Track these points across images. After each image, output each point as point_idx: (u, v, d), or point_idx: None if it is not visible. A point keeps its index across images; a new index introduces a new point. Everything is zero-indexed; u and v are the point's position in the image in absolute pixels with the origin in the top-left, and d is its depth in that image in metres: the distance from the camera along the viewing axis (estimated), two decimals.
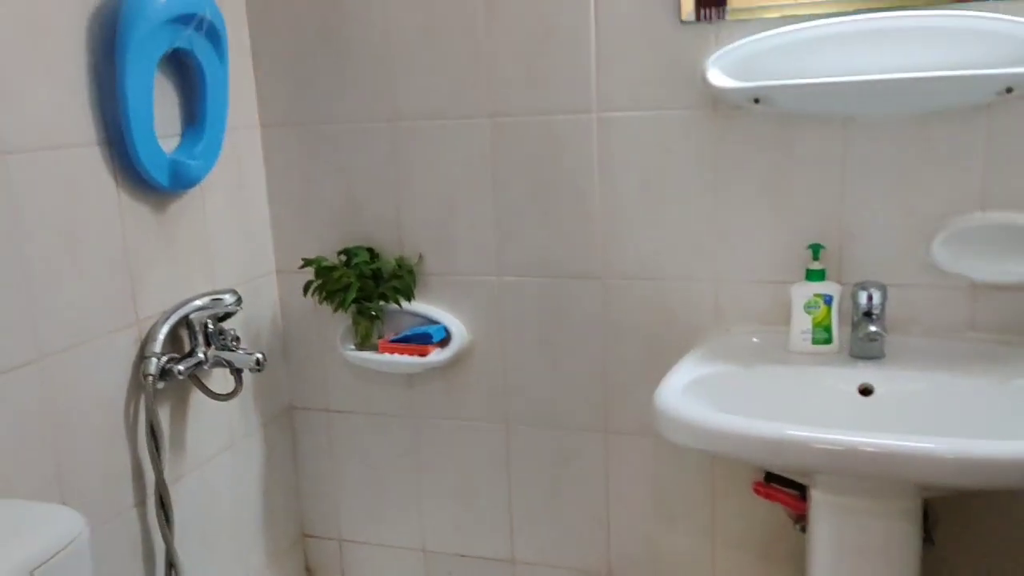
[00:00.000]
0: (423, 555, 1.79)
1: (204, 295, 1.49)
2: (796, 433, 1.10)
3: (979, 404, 1.24)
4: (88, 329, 1.29)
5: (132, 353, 1.39)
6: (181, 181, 1.42)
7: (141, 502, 1.41)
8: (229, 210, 1.61)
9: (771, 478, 1.43)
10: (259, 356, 1.48)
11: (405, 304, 1.63)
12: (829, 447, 1.08)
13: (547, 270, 1.56)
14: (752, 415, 1.15)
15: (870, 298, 1.33)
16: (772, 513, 1.52)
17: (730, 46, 1.34)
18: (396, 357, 1.62)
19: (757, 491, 1.44)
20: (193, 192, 1.50)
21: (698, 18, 1.37)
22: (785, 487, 1.41)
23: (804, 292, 1.37)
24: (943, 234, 1.33)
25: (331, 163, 1.65)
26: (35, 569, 1.02)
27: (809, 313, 1.36)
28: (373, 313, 1.63)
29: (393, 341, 1.64)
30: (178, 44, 1.37)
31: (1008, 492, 1.38)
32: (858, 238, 1.39)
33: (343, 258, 1.63)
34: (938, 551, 1.41)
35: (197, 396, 1.53)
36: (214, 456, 1.59)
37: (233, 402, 1.61)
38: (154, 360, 1.39)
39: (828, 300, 1.36)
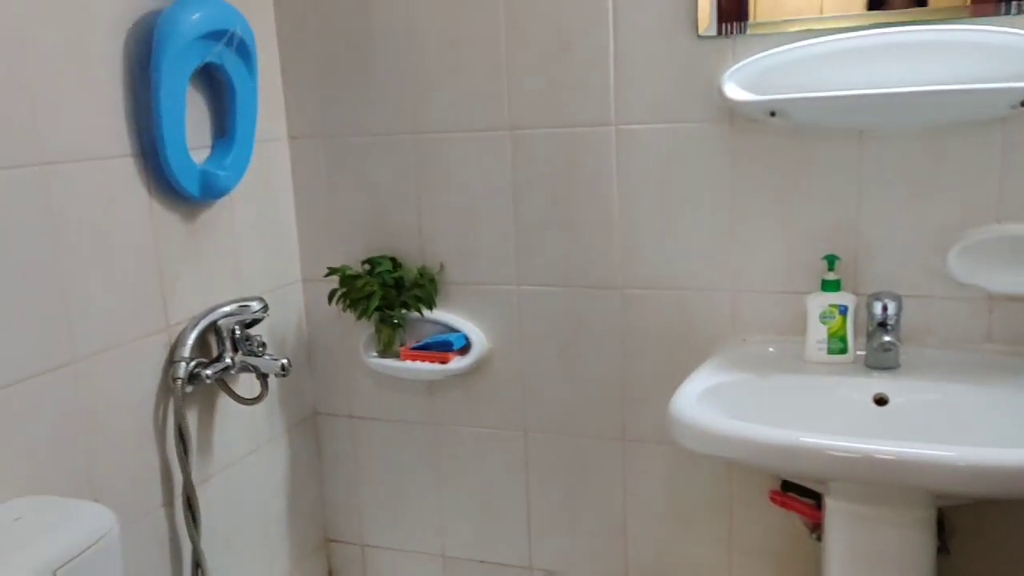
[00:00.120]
0: (443, 560, 1.82)
1: (232, 302, 1.53)
2: (810, 440, 1.11)
3: (994, 415, 1.25)
4: (120, 333, 1.34)
5: (162, 357, 1.43)
6: (211, 191, 1.47)
7: (169, 502, 1.45)
8: (257, 220, 1.65)
9: (787, 487, 1.44)
10: (284, 362, 1.52)
11: (426, 312, 1.66)
12: (842, 454, 1.09)
13: (566, 280, 1.59)
14: (766, 423, 1.17)
15: (885, 308, 1.34)
16: (788, 522, 1.53)
17: (746, 60, 1.36)
18: (417, 364, 1.66)
19: (773, 500, 1.45)
20: (222, 202, 1.55)
21: (719, 32, 1.40)
22: (801, 496, 1.42)
23: (819, 303, 1.38)
24: (959, 246, 1.34)
25: (356, 174, 1.69)
26: (68, 562, 1.06)
27: (824, 323, 1.38)
28: (395, 321, 1.66)
29: (414, 349, 1.67)
30: (210, 59, 1.42)
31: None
32: (874, 249, 1.40)
33: (367, 267, 1.67)
34: (954, 561, 1.41)
35: (224, 400, 1.57)
36: (240, 459, 1.63)
37: (259, 407, 1.65)
38: (183, 364, 1.43)
39: (843, 310, 1.37)
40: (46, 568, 1.03)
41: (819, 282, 1.40)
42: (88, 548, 1.10)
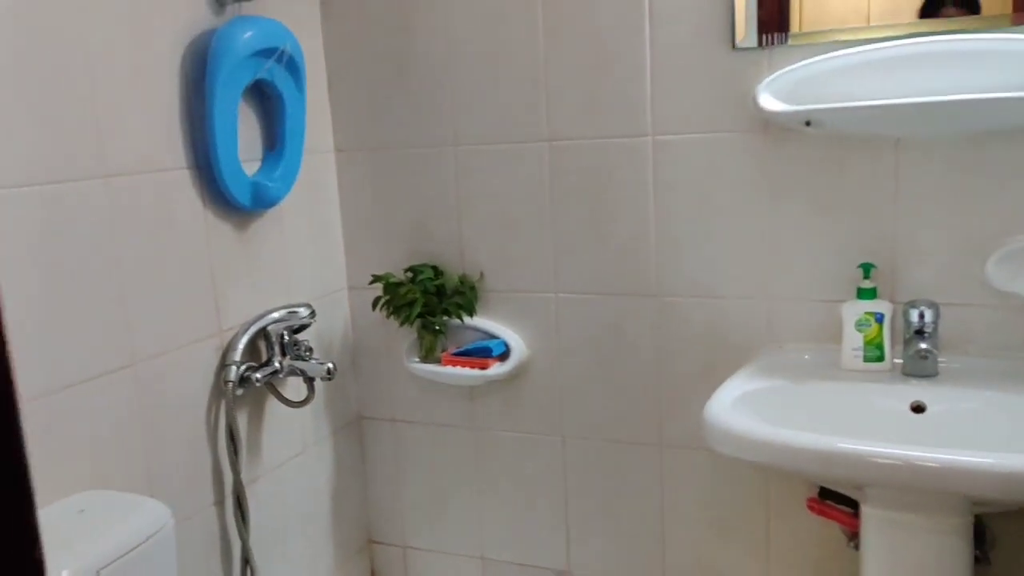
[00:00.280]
0: (482, 563, 1.85)
1: (281, 308, 1.59)
2: (848, 445, 1.12)
3: None
4: (176, 338, 1.40)
5: (214, 361, 1.49)
6: (262, 202, 1.53)
7: (220, 501, 1.51)
8: (305, 229, 1.71)
9: (825, 495, 1.44)
10: (330, 365, 1.57)
11: (467, 319, 1.70)
12: (883, 460, 1.10)
13: (603, 288, 1.62)
14: (801, 429, 1.18)
15: (921, 316, 1.34)
16: (827, 530, 1.53)
17: (781, 71, 1.38)
18: (458, 370, 1.70)
19: (811, 508, 1.45)
20: (272, 212, 1.61)
21: (760, 44, 1.41)
22: (839, 504, 1.42)
23: (855, 310, 1.39)
24: (998, 253, 1.33)
25: (399, 185, 1.75)
26: (126, 553, 1.12)
27: (860, 331, 1.38)
28: (437, 327, 1.70)
29: (455, 355, 1.71)
30: (261, 75, 1.48)
31: None
32: (911, 257, 1.40)
33: (409, 275, 1.72)
34: (995, 570, 1.40)
35: (272, 403, 1.63)
36: (287, 461, 1.69)
37: (305, 410, 1.70)
38: (234, 368, 1.49)
39: (880, 318, 1.38)
40: (105, 559, 1.09)
41: (855, 290, 1.40)
42: (145, 541, 1.16)
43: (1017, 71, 1.26)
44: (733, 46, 1.44)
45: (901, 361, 1.38)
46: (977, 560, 1.24)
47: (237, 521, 1.52)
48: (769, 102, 1.37)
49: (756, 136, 1.46)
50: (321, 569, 1.80)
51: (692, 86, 1.48)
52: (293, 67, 1.55)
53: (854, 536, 1.39)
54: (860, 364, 1.39)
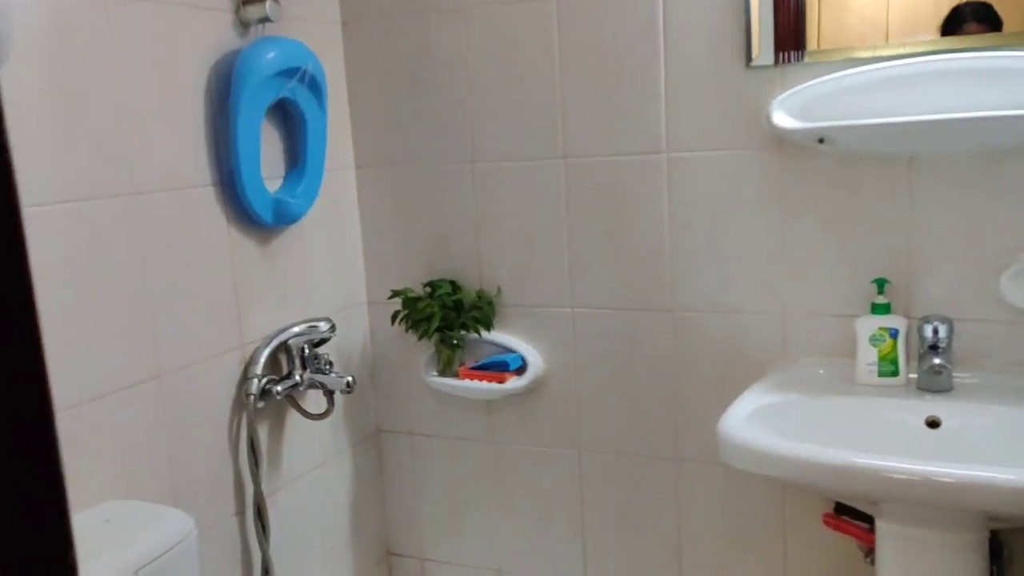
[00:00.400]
0: (499, 575, 1.86)
1: (302, 322, 1.62)
2: (864, 460, 1.13)
3: None
4: (200, 351, 1.44)
5: (236, 374, 1.52)
6: (284, 218, 1.56)
7: (241, 511, 1.54)
8: (326, 244, 1.75)
9: (841, 510, 1.44)
10: (349, 379, 1.59)
11: (484, 333, 1.72)
12: (899, 475, 1.11)
13: (619, 303, 1.63)
14: (816, 443, 1.19)
15: (935, 331, 1.35)
16: (843, 546, 1.53)
17: (795, 88, 1.40)
18: (475, 383, 1.72)
19: (827, 523, 1.46)
20: (294, 228, 1.64)
21: (776, 61, 1.43)
22: (855, 519, 1.42)
23: (869, 325, 1.39)
24: (1012, 269, 1.34)
25: (418, 201, 1.77)
26: (151, 562, 1.15)
27: (875, 346, 1.39)
28: (454, 341, 1.73)
29: (473, 368, 1.73)
30: (284, 95, 1.52)
31: None
32: (926, 273, 1.41)
33: (428, 290, 1.74)
34: None
35: (293, 416, 1.65)
36: (307, 472, 1.71)
37: (325, 423, 1.73)
38: (256, 381, 1.52)
39: (894, 333, 1.38)
40: (130, 567, 1.12)
41: (869, 305, 1.41)
42: (169, 550, 1.18)
43: None
44: (747, 64, 1.45)
45: (916, 376, 1.39)
46: (992, 574, 1.24)
47: (258, 532, 1.55)
48: (782, 119, 1.39)
49: (770, 153, 1.47)
50: None
51: (706, 104, 1.50)
52: (315, 86, 1.58)
53: (870, 551, 1.39)
54: (875, 379, 1.40)
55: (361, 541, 1.89)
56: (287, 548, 1.65)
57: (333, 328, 1.65)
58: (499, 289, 1.73)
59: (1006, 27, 1.30)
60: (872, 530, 1.35)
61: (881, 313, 1.39)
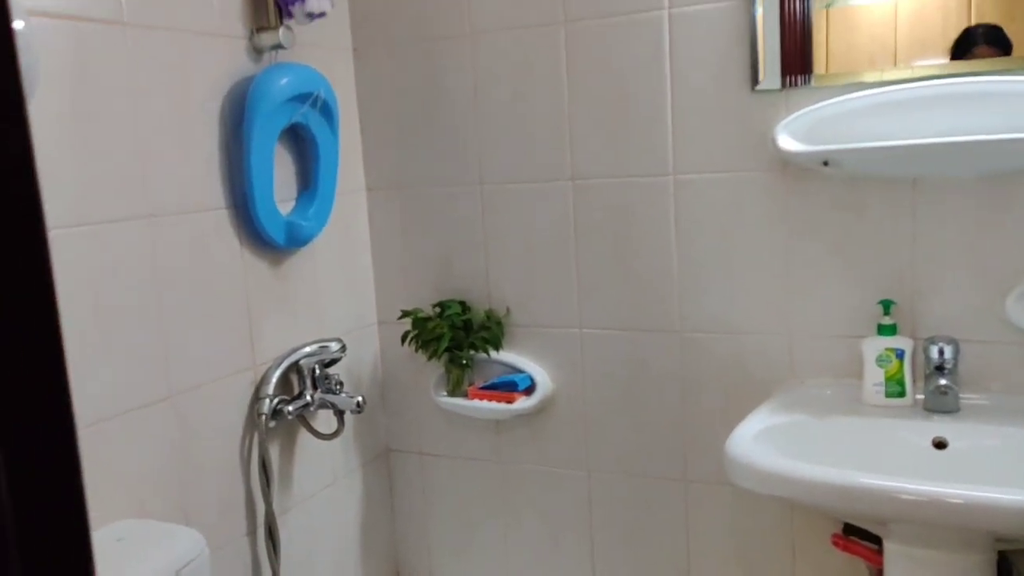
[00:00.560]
0: None
1: (313, 343, 1.64)
2: (873, 481, 1.13)
3: None
4: (212, 371, 1.45)
5: (248, 394, 1.54)
6: (296, 240, 1.59)
7: (252, 531, 1.55)
8: (337, 266, 1.77)
9: (850, 531, 1.44)
10: (360, 399, 1.61)
11: (493, 353, 1.73)
12: (908, 496, 1.11)
13: (626, 323, 1.65)
14: (823, 464, 1.19)
15: (941, 352, 1.35)
16: (852, 567, 1.53)
17: (799, 112, 1.42)
18: (484, 403, 1.73)
19: (836, 544, 1.46)
20: (305, 250, 1.66)
21: (783, 85, 1.45)
22: (864, 540, 1.42)
23: (876, 346, 1.40)
24: (1017, 291, 1.35)
25: (428, 223, 1.80)
26: None
27: (881, 367, 1.40)
28: (464, 361, 1.74)
29: (482, 388, 1.74)
30: (296, 119, 1.54)
31: None
32: (931, 294, 1.42)
33: (437, 310, 1.76)
34: None
35: (304, 435, 1.67)
36: (317, 492, 1.72)
37: (336, 442, 1.74)
38: (267, 401, 1.53)
39: (900, 354, 1.39)
40: None
41: (875, 326, 1.42)
42: (181, 570, 1.20)
43: None
44: (753, 88, 1.47)
45: (923, 397, 1.39)
46: None
47: (268, 551, 1.56)
48: (787, 142, 1.40)
49: (775, 175, 1.49)
50: None
51: (712, 127, 1.52)
52: (327, 111, 1.61)
53: (879, 572, 1.39)
54: (882, 400, 1.40)
55: (371, 561, 1.89)
56: (297, 567, 1.65)
57: (344, 348, 1.67)
58: (508, 309, 1.75)
59: (1015, 51, 1.31)
60: (881, 551, 1.35)
61: (887, 334, 1.40)
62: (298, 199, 1.64)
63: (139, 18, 1.31)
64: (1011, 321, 1.36)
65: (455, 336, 1.71)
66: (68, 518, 0.46)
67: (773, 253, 1.51)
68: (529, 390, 1.72)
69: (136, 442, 1.31)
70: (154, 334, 1.35)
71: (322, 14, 1.53)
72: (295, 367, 1.61)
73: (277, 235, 1.54)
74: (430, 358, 1.74)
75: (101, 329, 1.26)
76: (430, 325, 1.72)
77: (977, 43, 1.33)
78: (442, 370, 1.79)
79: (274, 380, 1.55)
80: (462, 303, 1.76)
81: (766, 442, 1.29)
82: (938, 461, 1.32)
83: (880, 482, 1.13)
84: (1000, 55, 1.31)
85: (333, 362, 1.66)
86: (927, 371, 1.38)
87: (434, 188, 1.77)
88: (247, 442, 1.54)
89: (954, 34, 1.33)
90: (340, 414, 1.65)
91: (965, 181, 1.37)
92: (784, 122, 1.42)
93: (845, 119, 1.38)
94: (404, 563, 1.97)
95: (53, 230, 1.18)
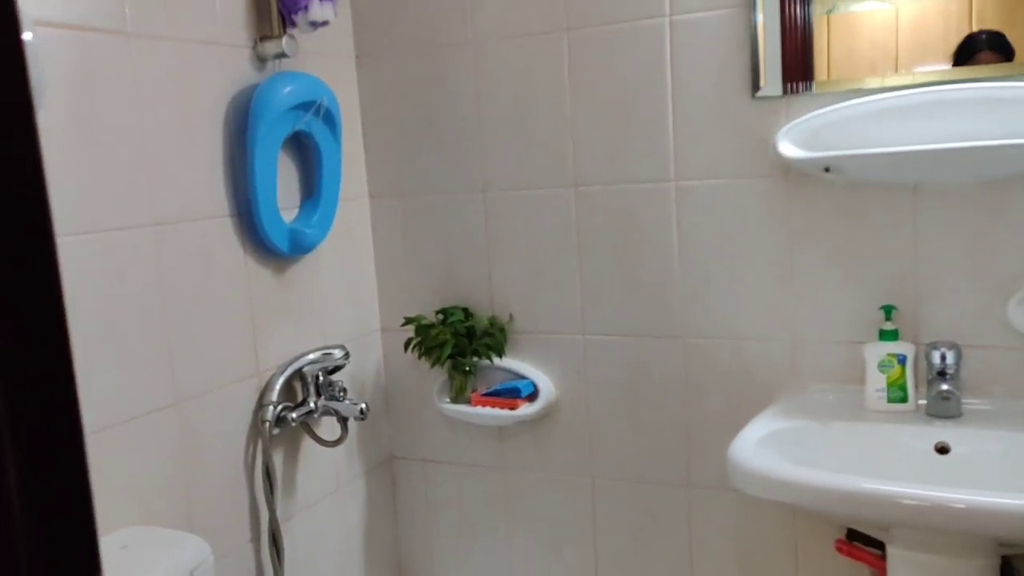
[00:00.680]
0: None
1: (316, 350, 1.64)
2: (875, 486, 1.13)
3: None
4: (217, 378, 1.46)
5: (252, 401, 1.54)
6: (299, 248, 1.59)
7: (256, 538, 1.55)
8: (340, 273, 1.77)
9: (853, 536, 1.44)
10: (363, 406, 1.61)
11: (496, 360, 1.74)
12: (911, 501, 1.11)
13: (629, 330, 1.65)
14: (826, 469, 1.20)
15: (943, 357, 1.36)
16: (855, 572, 1.52)
17: (801, 118, 1.42)
18: (488, 410, 1.73)
19: (839, 549, 1.46)
20: (309, 257, 1.67)
21: (784, 92, 1.45)
22: (867, 545, 1.42)
23: (877, 352, 1.40)
24: (1018, 295, 1.35)
25: (431, 230, 1.80)
26: None
27: (883, 372, 1.40)
28: (467, 368, 1.75)
29: (485, 395, 1.75)
30: (299, 128, 1.55)
31: None
32: (933, 300, 1.42)
33: (440, 317, 1.76)
34: None
35: (307, 442, 1.67)
36: (321, 499, 1.73)
37: (339, 449, 1.74)
38: (271, 408, 1.54)
39: (902, 360, 1.39)
40: None
41: (877, 332, 1.42)
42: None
43: None
44: (753, 95, 1.48)
45: (925, 402, 1.39)
46: None
47: (272, 558, 1.56)
48: (788, 149, 1.41)
49: (777, 182, 1.49)
50: None
51: (713, 133, 1.53)
52: (330, 119, 1.62)
53: None
54: (884, 405, 1.41)
55: (374, 567, 1.89)
56: (302, 574, 1.66)
57: (347, 355, 1.68)
58: (511, 316, 1.75)
59: (1018, 57, 1.31)
60: (884, 556, 1.35)
61: (889, 339, 1.40)
62: (301, 207, 1.65)
63: (143, 28, 1.32)
64: (1013, 326, 1.36)
65: (458, 343, 1.72)
66: (77, 526, 0.46)
67: (775, 259, 1.52)
68: (532, 396, 1.73)
69: (141, 449, 1.32)
70: (159, 341, 1.35)
71: (325, 22, 1.54)
72: (299, 374, 1.61)
73: (281, 242, 1.55)
74: (433, 365, 1.75)
75: (106, 336, 1.26)
76: (433, 332, 1.72)
77: (980, 49, 1.33)
78: (445, 377, 1.79)
79: (278, 387, 1.55)
80: (465, 310, 1.77)
81: (769, 448, 1.29)
82: (940, 466, 1.32)
83: (883, 487, 1.13)
84: (1003, 61, 1.32)
85: (337, 369, 1.66)
86: (929, 376, 1.38)
87: (437, 195, 1.78)
88: (251, 449, 1.54)
89: (955, 40, 1.34)
90: (343, 421, 1.65)
91: (966, 187, 1.38)
92: (785, 128, 1.43)
93: (846, 125, 1.38)
94: (407, 570, 1.97)
95: (59, 238, 1.18)
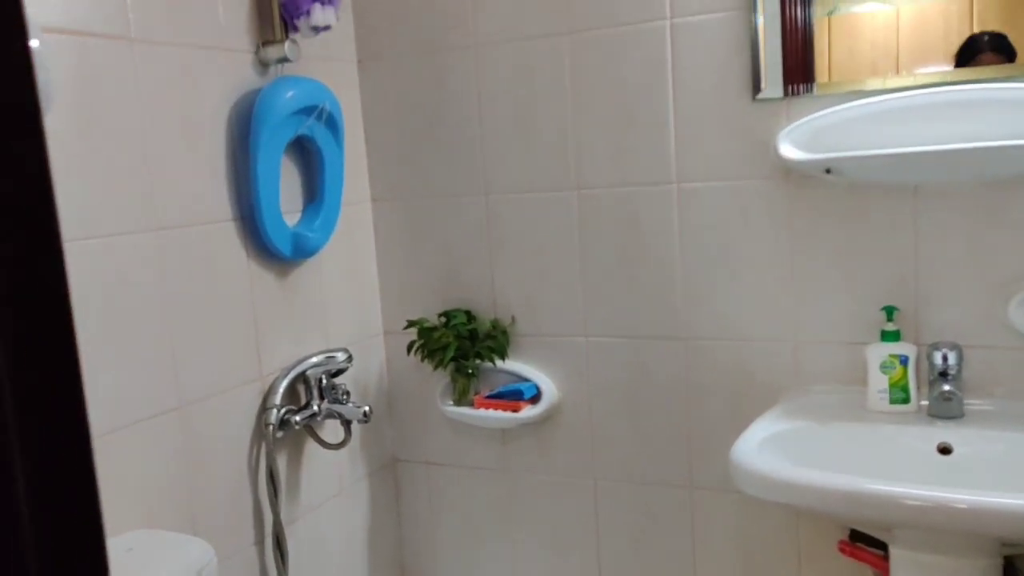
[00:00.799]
0: None
1: (319, 353, 1.65)
2: (878, 487, 1.14)
3: None
4: (221, 382, 1.46)
5: (256, 404, 1.55)
6: (302, 251, 1.60)
7: (260, 541, 1.56)
8: (343, 277, 1.78)
9: (856, 537, 1.45)
10: (366, 409, 1.62)
11: (499, 362, 1.74)
12: (914, 502, 1.11)
13: (631, 331, 1.65)
14: (829, 470, 1.20)
15: (945, 358, 1.36)
16: (858, 573, 1.53)
17: (802, 120, 1.43)
18: (491, 412, 1.73)
19: (842, 550, 1.46)
20: (311, 261, 1.68)
21: (785, 94, 1.45)
22: (870, 546, 1.42)
23: (879, 353, 1.41)
24: (1020, 296, 1.35)
25: (433, 233, 1.81)
26: None
27: (885, 373, 1.40)
28: (469, 371, 1.75)
29: (488, 397, 1.75)
30: (302, 132, 1.56)
31: None
32: (934, 300, 1.42)
33: (443, 320, 1.77)
34: None
35: (311, 445, 1.67)
36: (325, 502, 1.73)
37: (342, 452, 1.75)
38: (274, 411, 1.54)
39: (904, 360, 1.39)
40: None
41: (879, 332, 1.43)
42: None
43: None
44: (754, 97, 1.48)
45: (927, 403, 1.40)
46: None
47: (276, 561, 1.56)
48: (789, 151, 1.41)
49: (778, 183, 1.50)
50: None
51: (715, 135, 1.53)
52: (332, 123, 1.62)
53: None
54: (886, 406, 1.41)
55: (378, 570, 1.90)
56: None
57: (350, 358, 1.68)
58: (513, 318, 1.76)
59: (1019, 58, 1.31)
60: (887, 557, 1.36)
61: (891, 340, 1.40)
62: (304, 211, 1.66)
63: (146, 33, 1.32)
64: (1014, 326, 1.36)
65: (461, 345, 1.72)
66: (85, 531, 0.46)
67: (776, 260, 1.52)
68: (535, 399, 1.73)
69: (145, 452, 1.32)
70: (162, 345, 1.36)
71: (327, 27, 1.54)
72: (302, 377, 1.62)
73: (284, 246, 1.55)
74: (436, 367, 1.75)
75: (110, 340, 1.27)
76: (436, 335, 1.73)
77: (982, 50, 1.33)
78: (448, 379, 1.80)
79: (281, 390, 1.56)
80: (468, 312, 1.77)
81: (771, 449, 1.30)
82: (943, 467, 1.32)
83: (885, 488, 1.13)
84: (1004, 62, 1.32)
85: (340, 372, 1.67)
86: (931, 377, 1.38)
87: (439, 198, 1.79)
88: (255, 452, 1.54)
89: (957, 41, 1.34)
90: (347, 424, 1.66)
91: (967, 187, 1.38)
92: (786, 130, 1.43)
93: (847, 127, 1.39)
94: (411, 572, 1.98)
95: (63, 242, 1.19)
